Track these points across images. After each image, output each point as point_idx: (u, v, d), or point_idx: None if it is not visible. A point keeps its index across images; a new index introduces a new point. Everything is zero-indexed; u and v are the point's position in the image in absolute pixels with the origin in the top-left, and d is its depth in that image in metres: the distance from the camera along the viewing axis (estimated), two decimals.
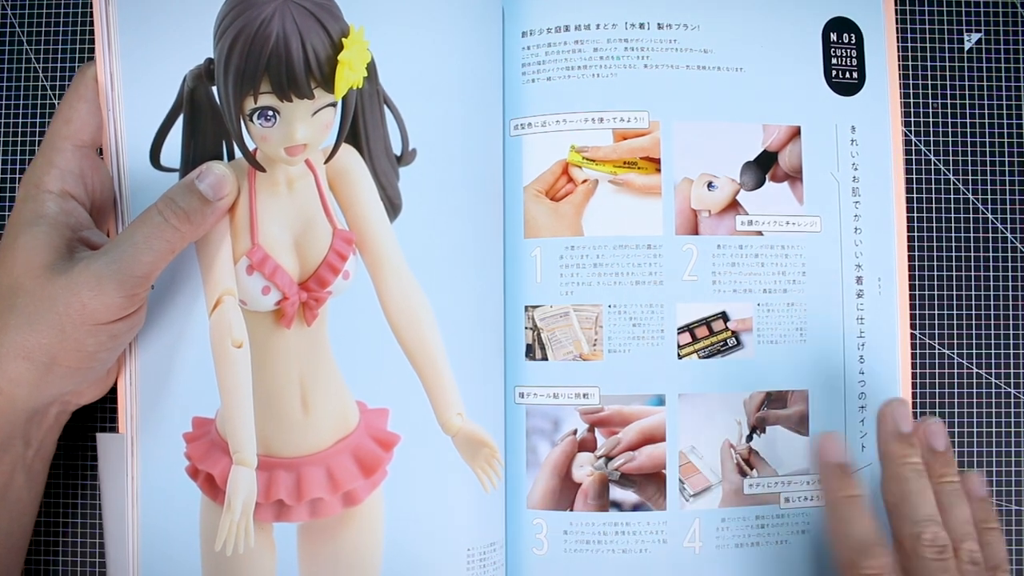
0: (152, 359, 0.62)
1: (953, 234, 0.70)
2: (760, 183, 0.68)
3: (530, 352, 0.66)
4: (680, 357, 0.66)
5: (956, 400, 0.69)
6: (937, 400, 0.69)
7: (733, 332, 0.67)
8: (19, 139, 0.70)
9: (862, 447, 0.67)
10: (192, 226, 0.57)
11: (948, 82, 0.71)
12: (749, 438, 0.66)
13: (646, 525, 0.65)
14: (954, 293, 0.69)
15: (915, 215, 0.69)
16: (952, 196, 0.70)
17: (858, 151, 0.68)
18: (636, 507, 0.65)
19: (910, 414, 0.63)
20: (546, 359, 0.66)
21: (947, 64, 0.71)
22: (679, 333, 0.66)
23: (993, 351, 0.69)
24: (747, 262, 0.67)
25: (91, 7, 0.69)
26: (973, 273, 0.69)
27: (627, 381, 0.66)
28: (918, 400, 0.68)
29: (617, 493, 0.65)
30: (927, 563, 0.57)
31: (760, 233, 0.67)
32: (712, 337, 0.67)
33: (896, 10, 0.69)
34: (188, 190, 0.57)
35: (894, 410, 0.63)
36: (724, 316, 0.67)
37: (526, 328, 0.66)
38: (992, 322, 0.69)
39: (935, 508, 0.59)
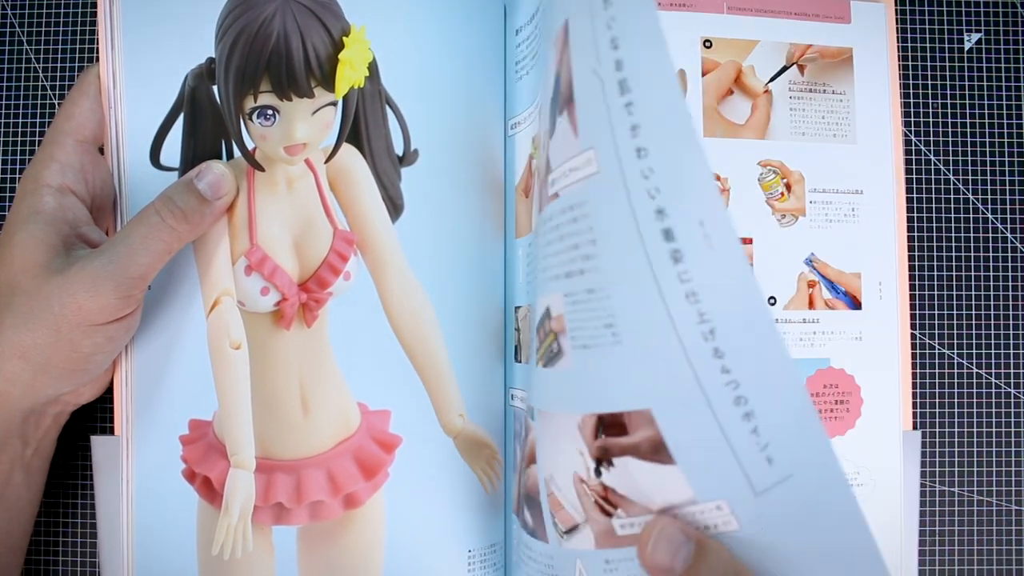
0: (148, 360, 0.61)
1: (953, 234, 0.70)
2: (555, 124, 0.50)
3: (517, 354, 0.66)
4: (537, 364, 0.53)
5: (956, 400, 0.69)
6: (937, 400, 0.69)
7: (556, 334, 0.50)
8: (19, 139, 0.70)
9: (768, 460, 0.44)
10: (190, 226, 0.56)
11: (948, 82, 0.71)
12: (598, 472, 0.49)
13: (539, 555, 0.56)
14: (954, 293, 0.69)
15: (915, 215, 0.69)
16: (952, 196, 0.70)
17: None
18: (532, 533, 0.56)
19: None
20: (521, 361, 0.65)
21: (947, 64, 0.71)
22: (536, 335, 0.54)
23: (993, 351, 0.69)
24: (549, 237, 0.50)
25: (95, 7, 0.69)
26: (973, 273, 0.69)
27: (529, 388, 0.57)
28: (918, 400, 0.68)
29: (525, 513, 0.58)
30: None
31: (555, 196, 0.50)
32: (545, 341, 0.52)
33: (896, 10, 0.69)
34: (186, 189, 0.56)
35: None
36: (547, 313, 0.51)
37: (515, 329, 0.66)
38: (992, 322, 0.69)
39: None
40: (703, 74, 0.66)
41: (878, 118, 0.67)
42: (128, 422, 0.61)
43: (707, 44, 0.66)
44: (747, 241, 0.65)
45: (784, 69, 0.66)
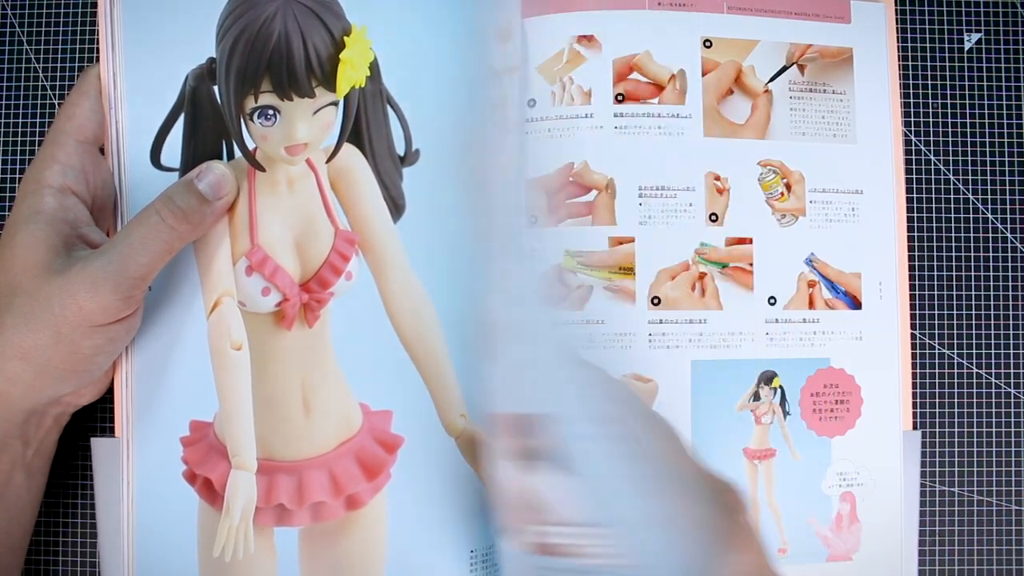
0: (148, 361, 0.61)
1: (953, 234, 0.70)
2: None
3: None
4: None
5: (956, 400, 0.69)
6: (937, 400, 0.68)
7: None
8: (19, 139, 0.70)
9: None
10: (190, 226, 0.56)
11: (948, 82, 0.71)
12: (518, 473, 0.53)
13: (505, 556, 0.57)
14: (954, 293, 0.69)
15: (915, 215, 0.69)
16: (952, 196, 0.70)
17: None
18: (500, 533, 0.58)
19: None
20: None
21: (947, 64, 0.71)
22: None
23: (993, 351, 0.69)
24: None
25: (95, 7, 0.69)
26: (973, 273, 0.69)
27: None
28: (918, 400, 0.68)
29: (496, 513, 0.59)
30: None
31: None
32: None
33: (896, 10, 0.69)
34: (187, 189, 0.56)
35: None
36: None
37: None
38: (992, 322, 0.69)
39: None
40: (703, 74, 0.66)
41: (878, 118, 0.67)
42: (128, 423, 0.61)
43: (707, 44, 0.66)
44: (747, 241, 0.66)
45: (784, 69, 0.67)
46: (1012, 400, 0.69)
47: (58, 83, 0.70)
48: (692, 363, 0.65)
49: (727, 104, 0.66)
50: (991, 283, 0.69)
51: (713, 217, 0.66)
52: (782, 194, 0.66)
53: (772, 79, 0.67)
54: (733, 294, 0.66)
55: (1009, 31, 0.71)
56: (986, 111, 0.70)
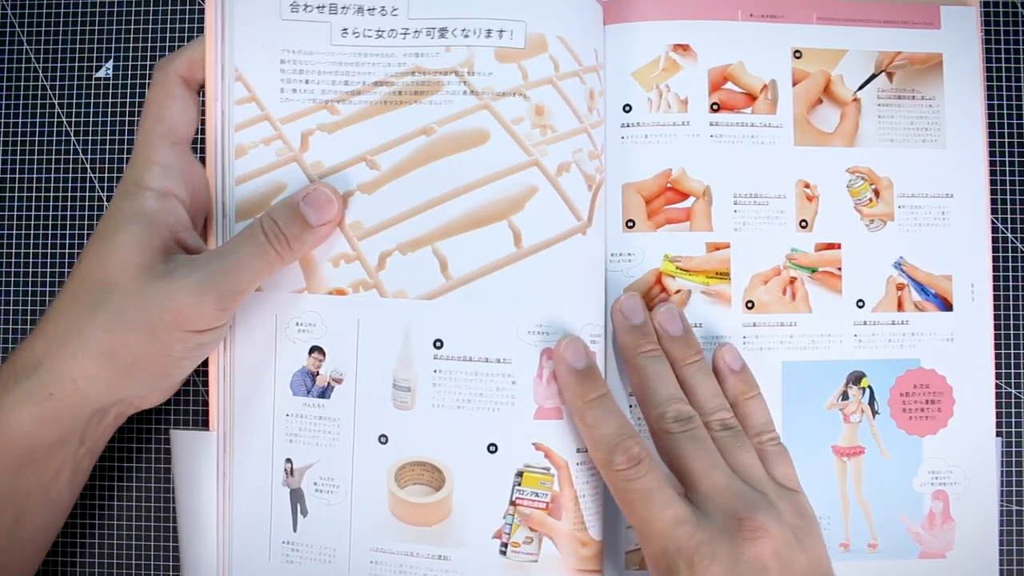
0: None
1: None
2: None
3: None
4: None
5: None
6: None
7: None
8: (19, 139, 0.70)
9: None
10: (292, 252, 0.57)
11: None
12: None
13: None
14: None
15: None
16: None
17: None
18: None
19: (641, 305, 0.63)
20: None
21: None
22: None
23: (993, 351, 0.70)
24: None
25: (95, 6, 0.71)
26: None
27: None
28: None
29: None
30: (675, 437, 0.57)
31: None
32: None
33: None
34: (291, 213, 0.57)
35: (623, 304, 0.62)
36: None
37: None
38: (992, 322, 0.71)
39: (676, 388, 0.60)
40: (793, 84, 0.67)
41: (968, 121, 0.69)
42: (227, 417, 0.62)
43: (797, 55, 0.67)
44: (836, 246, 0.67)
45: (873, 77, 0.68)
46: (1012, 400, 0.71)
47: (58, 83, 0.70)
48: (783, 364, 0.66)
49: (816, 113, 0.68)
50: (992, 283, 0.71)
51: (803, 224, 0.67)
52: (870, 200, 0.67)
53: (860, 87, 0.68)
54: (822, 297, 0.67)
55: (1009, 31, 0.73)
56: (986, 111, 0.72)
